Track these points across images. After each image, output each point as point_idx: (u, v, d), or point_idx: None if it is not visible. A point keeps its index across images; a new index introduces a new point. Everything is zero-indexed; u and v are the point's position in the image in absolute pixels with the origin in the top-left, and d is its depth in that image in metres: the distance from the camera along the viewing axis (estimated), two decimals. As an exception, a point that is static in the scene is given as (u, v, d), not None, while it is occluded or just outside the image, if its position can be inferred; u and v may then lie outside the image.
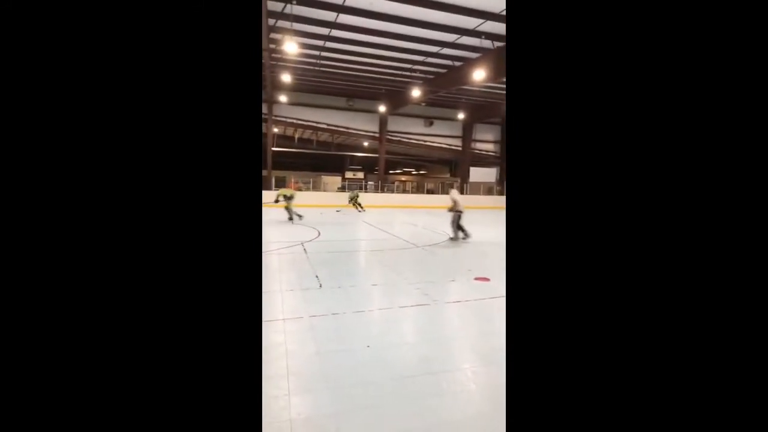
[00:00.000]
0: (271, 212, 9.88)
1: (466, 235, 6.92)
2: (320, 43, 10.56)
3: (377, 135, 18.02)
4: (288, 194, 9.45)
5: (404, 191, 20.97)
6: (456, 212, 6.82)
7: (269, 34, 9.29)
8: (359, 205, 12.95)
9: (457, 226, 6.89)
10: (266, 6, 7.85)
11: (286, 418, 1.70)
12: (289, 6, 8.32)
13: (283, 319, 2.88)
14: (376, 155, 18.69)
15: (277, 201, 9.41)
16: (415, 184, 25.46)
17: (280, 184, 15.88)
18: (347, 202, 13.08)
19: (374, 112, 17.10)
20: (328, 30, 9.67)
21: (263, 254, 5.21)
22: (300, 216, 9.47)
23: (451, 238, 6.96)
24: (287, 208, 9.39)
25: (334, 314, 3.01)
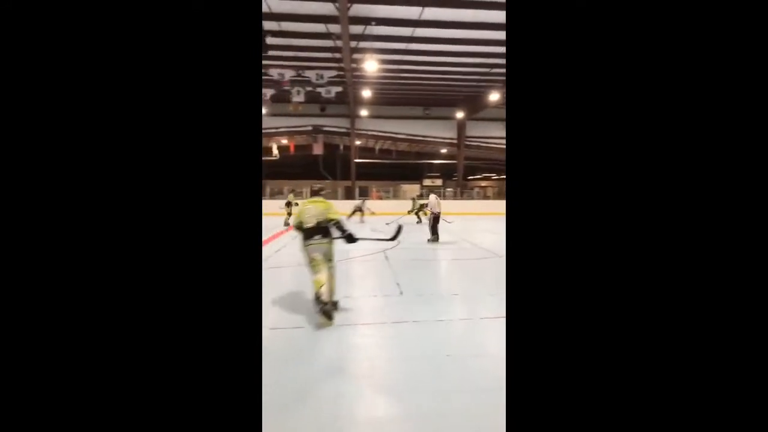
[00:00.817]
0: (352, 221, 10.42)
1: (435, 238, 7.52)
2: (398, 57, 10.94)
3: (455, 141, 17.84)
4: (291, 200, 11.02)
5: (485, 197, 20.29)
6: (433, 214, 7.58)
7: (351, 56, 9.95)
8: (418, 215, 11.10)
9: (433, 229, 7.60)
10: (348, 30, 8.46)
11: (369, 415, 1.86)
12: (368, 27, 8.83)
13: (366, 324, 3.10)
14: (455, 161, 18.48)
15: (288, 205, 10.78)
16: (496, 189, 24.45)
17: (363, 193, 16.70)
18: (413, 212, 11.26)
19: (451, 118, 17.00)
20: (405, 44, 9.99)
21: (348, 261, 5.59)
22: (288, 225, 10.34)
23: (429, 240, 7.51)
24: (289, 213, 10.59)
25: (415, 321, 3.13)
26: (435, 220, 7.56)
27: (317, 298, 2.95)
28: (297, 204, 11.01)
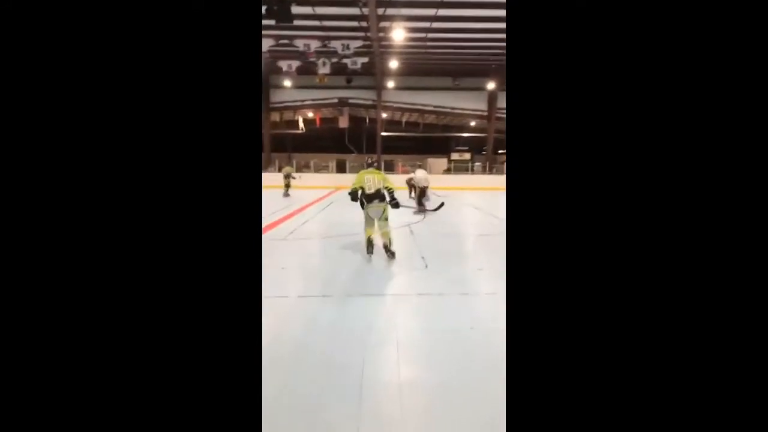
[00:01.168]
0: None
1: (422, 210, 7.70)
2: (426, 24, 10.48)
3: (485, 113, 17.19)
4: (287, 173, 11.98)
5: (514, 172, 19.61)
6: (419, 188, 8.01)
7: (378, 24, 9.63)
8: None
9: (419, 201, 8.00)
10: (375, -4, 8.15)
11: (396, 381, 1.93)
12: (396, -8, 8.46)
13: (393, 295, 3.16)
14: (484, 134, 17.89)
15: (287, 177, 11.72)
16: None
17: (389, 167, 16.64)
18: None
19: (482, 89, 16.31)
20: (435, 10, 9.52)
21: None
22: (288, 195, 11.27)
23: (414, 212, 7.59)
24: (287, 185, 11.54)
25: (440, 294, 3.16)
26: (421, 193, 8.06)
27: (368, 242, 4.24)
28: (294, 177, 12.09)
